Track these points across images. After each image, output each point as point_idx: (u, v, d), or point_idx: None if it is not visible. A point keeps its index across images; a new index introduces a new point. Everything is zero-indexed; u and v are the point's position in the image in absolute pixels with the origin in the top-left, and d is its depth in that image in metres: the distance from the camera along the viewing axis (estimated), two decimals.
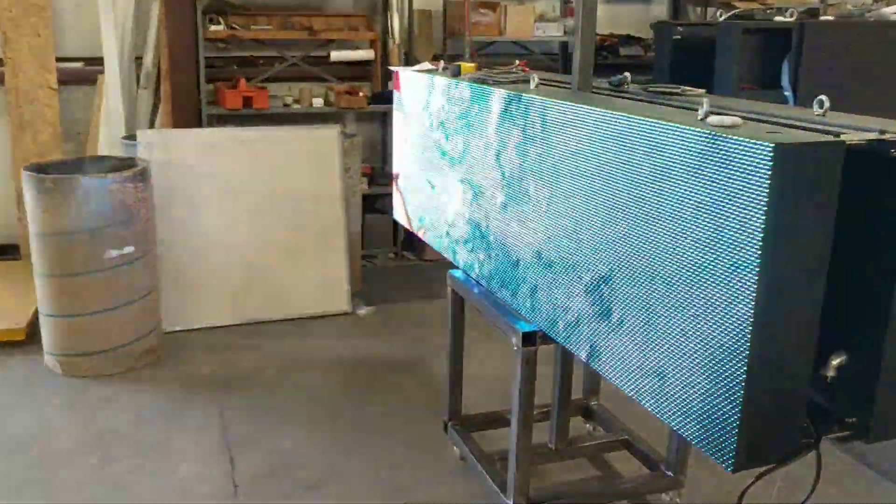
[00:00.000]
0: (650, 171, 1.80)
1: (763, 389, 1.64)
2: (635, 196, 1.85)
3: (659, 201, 1.77)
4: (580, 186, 2.06)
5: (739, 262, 1.58)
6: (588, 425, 3.40)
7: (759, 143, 1.54)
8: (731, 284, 1.60)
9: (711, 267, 1.64)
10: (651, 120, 1.79)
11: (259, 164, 4.61)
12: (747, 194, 1.55)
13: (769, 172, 1.52)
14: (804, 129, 1.74)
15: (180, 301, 4.40)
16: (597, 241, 2.00)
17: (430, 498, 3.02)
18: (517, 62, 3.87)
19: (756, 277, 1.54)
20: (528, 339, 2.50)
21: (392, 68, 3.61)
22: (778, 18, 3.96)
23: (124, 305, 3.93)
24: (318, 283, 4.75)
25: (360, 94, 5.49)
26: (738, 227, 1.57)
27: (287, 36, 5.45)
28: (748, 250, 1.55)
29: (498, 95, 2.49)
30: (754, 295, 1.55)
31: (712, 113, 1.78)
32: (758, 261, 1.54)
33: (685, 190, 1.70)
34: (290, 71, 5.63)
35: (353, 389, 3.88)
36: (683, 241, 1.71)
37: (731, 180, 1.59)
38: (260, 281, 4.61)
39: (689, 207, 1.69)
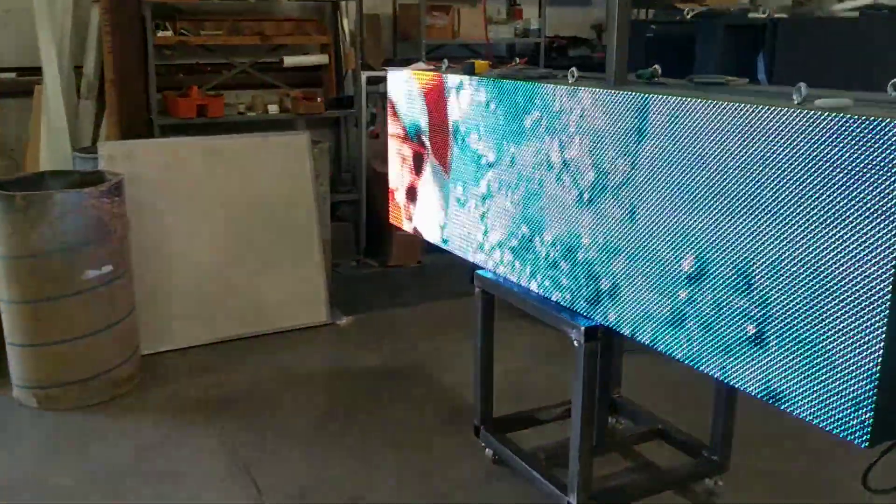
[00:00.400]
0: (781, 160, 1.76)
1: (893, 370, 1.65)
2: (770, 188, 1.79)
3: (798, 192, 1.73)
4: (693, 182, 1.99)
5: (883, 244, 1.58)
6: (612, 419, 3.39)
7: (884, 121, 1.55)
8: (871, 271, 1.60)
9: (853, 252, 1.64)
10: (811, 111, 1.72)
11: (229, 174, 4.41)
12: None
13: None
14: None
15: (154, 321, 4.14)
16: (724, 240, 1.92)
17: (476, 500, 2.94)
18: (517, 59, 3.82)
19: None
20: (590, 334, 2.46)
21: (392, 70, 3.50)
22: (752, 15, 4.09)
23: (104, 329, 3.66)
24: (295, 294, 4.57)
25: (318, 99, 5.34)
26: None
27: (239, 41, 5.25)
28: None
29: (580, 92, 2.39)
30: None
31: (812, 97, 1.79)
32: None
33: (830, 177, 1.67)
34: (238, 78, 5.42)
35: (356, 402, 3.73)
36: (826, 230, 1.69)
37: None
38: (236, 295, 4.40)
39: (835, 194, 1.66)
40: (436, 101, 3.10)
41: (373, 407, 3.67)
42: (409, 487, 3.02)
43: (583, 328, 2.45)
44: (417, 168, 3.32)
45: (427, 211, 3.29)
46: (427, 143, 3.20)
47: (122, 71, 4.89)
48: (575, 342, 2.50)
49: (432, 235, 3.28)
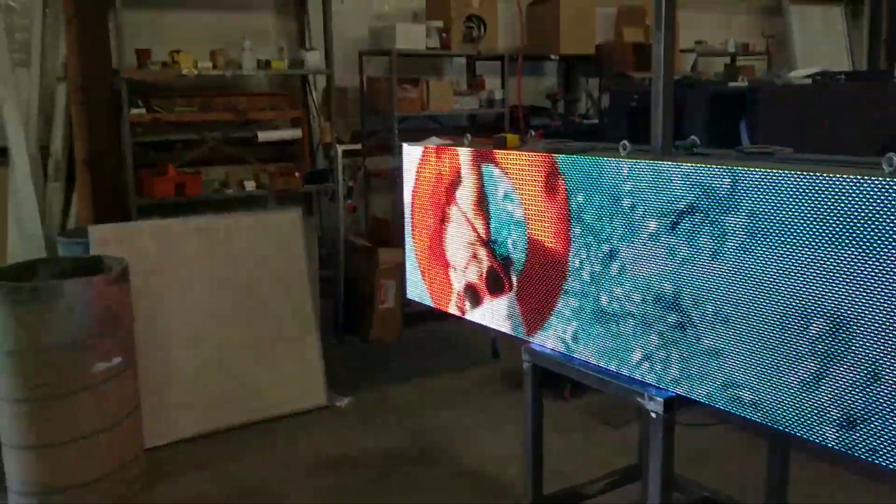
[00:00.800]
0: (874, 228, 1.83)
1: None
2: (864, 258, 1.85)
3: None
4: (787, 257, 2.00)
5: None
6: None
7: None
8: None
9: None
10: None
11: (224, 255, 4.28)
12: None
13: None
14: None
15: (155, 411, 3.92)
16: (814, 309, 1.96)
17: None
18: (532, 132, 3.90)
19: None
20: (669, 406, 2.48)
21: (411, 145, 3.50)
22: (733, 84, 4.32)
23: (112, 426, 3.45)
24: (293, 377, 4.42)
25: (296, 174, 5.28)
26: None
27: (214, 118, 5.15)
28: None
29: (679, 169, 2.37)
30: None
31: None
32: None
33: None
34: (209, 154, 5.32)
35: (382, 490, 3.61)
36: None
37: None
38: (235, 380, 4.22)
39: None
40: (474, 179, 3.10)
41: (402, 496, 3.56)
42: None
43: (662, 400, 2.47)
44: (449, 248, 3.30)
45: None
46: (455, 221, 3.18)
47: (93, 150, 4.72)
48: (653, 413, 2.51)
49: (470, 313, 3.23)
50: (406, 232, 3.63)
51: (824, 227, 1.92)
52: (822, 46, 8.35)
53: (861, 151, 2.25)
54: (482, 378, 4.92)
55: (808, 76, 5.12)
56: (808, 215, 1.96)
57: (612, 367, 2.59)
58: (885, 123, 4.58)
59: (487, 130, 6.42)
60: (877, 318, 1.81)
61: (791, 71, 5.06)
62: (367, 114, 5.91)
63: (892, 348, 1.78)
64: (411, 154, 3.49)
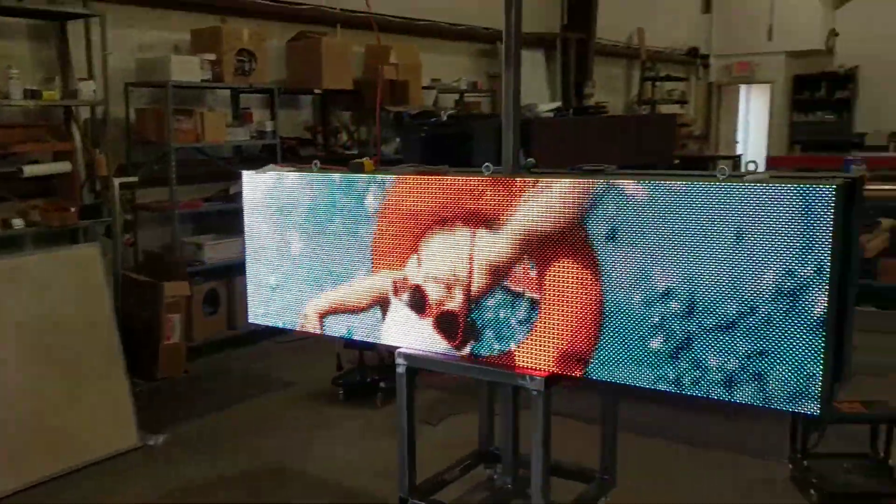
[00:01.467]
0: (747, 222, 2.42)
1: (828, 356, 2.40)
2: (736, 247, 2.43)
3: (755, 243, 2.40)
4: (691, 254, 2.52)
5: (817, 271, 2.32)
6: (489, 470, 3.78)
7: (825, 186, 2.33)
8: (811, 292, 2.34)
9: (798, 278, 2.36)
10: (758, 185, 2.40)
11: (18, 297, 3.95)
12: (819, 220, 2.33)
13: (833, 204, 2.32)
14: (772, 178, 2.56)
15: None
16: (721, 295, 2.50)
17: None
18: (369, 158, 4.16)
19: (827, 282, 2.31)
20: (550, 383, 2.90)
21: (254, 173, 3.58)
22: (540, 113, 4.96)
23: None
24: (104, 418, 4.20)
25: (72, 209, 4.97)
26: (813, 246, 2.32)
27: None
28: (823, 262, 2.31)
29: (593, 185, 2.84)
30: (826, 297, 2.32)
31: (732, 176, 2.52)
32: (828, 267, 2.30)
33: (773, 226, 2.38)
34: None
35: None
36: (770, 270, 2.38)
37: (808, 215, 2.33)
38: (42, 429, 3.91)
39: (776, 238, 2.37)
40: (354, 202, 3.31)
41: None
42: None
43: (542, 379, 2.88)
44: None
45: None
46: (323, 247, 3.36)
47: None
48: (534, 391, 2.91)
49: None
50: (248, 257, 3.69)
51: (680, 222, 2.46)
52: (530, 84, 9.53)
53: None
54: (290, 399, 5.03)
55: (549, 110, 5.98)
56: (668, 214, 2.50)
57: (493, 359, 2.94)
58: (618, 144, 5.53)
59: (255, 161, 6.51)
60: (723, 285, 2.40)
61: (536, 107, 5.86)
62: (135, 145, 5.71)
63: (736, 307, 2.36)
64: (255, 181, 3.59)
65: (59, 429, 3.99)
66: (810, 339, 2.33)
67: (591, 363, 2.72)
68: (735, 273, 2.43)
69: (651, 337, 2.60)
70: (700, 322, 2.50)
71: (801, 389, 2.39)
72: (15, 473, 3.78)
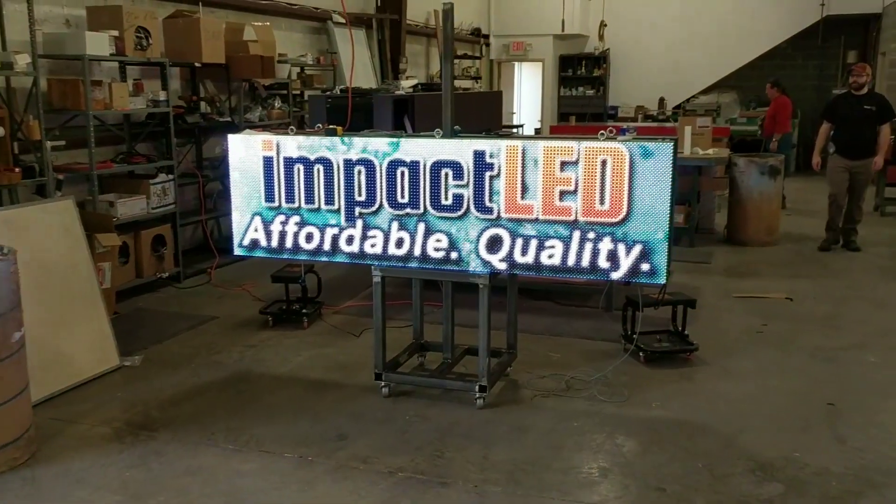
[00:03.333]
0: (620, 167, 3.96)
1: (671, 247, 4.03)
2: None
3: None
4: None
5: (664, 190, 3.93)
6: (419, 358, 5.11)
7: (668, 142, 3.94)
8: (661, 203, 3.94)
9: (653, 195, 3.95)
10: (630, 143, 3.94)
11: (15, 242, 4.61)
12: (665, 163, 3.93)
13: (672, 154, 3.93)
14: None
15: None
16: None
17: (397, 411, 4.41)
18: (320, 125, 5.24)
19: (670, 199, 3.94)
20: (491, 277, 4.30)
21: (239, 136, 4.57)
22: (398, 93, 6.18)
23: (23, 390, 3.87)
24: (90, 344, 4.97)
25: (17, 170, 5.54)
26: (662, 177, 3.92)
27: None
28: (666, 192, 3.92)
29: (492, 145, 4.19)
30: (670, 207, 3.94)
31: (606, 137, 4.06)
32: (671, 190, 3.92)
33: (642, 169, 3.94)
34: None
35: (234, 403, 4.66)
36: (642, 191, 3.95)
37: (659, 160, 3.91)
38: (43, 354, 4.61)
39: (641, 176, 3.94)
40: (327, 156, 4.44)
41: (247, 406, 4.67)
42: (334, 421, 4.33)
43: (487, 275, 4.27)
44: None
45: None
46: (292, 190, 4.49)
47: None
48: (481, 284, 4.30)
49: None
50: (234, 201, 4.70)
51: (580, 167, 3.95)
52: (359, 59, 10.72)
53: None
54: (225, 327, 5.97)
55: (410, 87, 7.29)
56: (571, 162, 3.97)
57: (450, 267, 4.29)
58: (471, 114, 6.96)
59: (144, 126, 7.23)
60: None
61: (400, 82, 7.15)
62: (52, 112, 6.22)
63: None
64: (238, 141, 4.62)
65: (57, 353, 4.73)
66: (664, 238, 3.93)
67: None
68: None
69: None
70: (588, 231, 4.02)
71: (658, 268, 3.98)
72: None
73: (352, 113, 5.97)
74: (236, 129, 7.89)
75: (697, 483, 3.66)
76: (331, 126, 4.55)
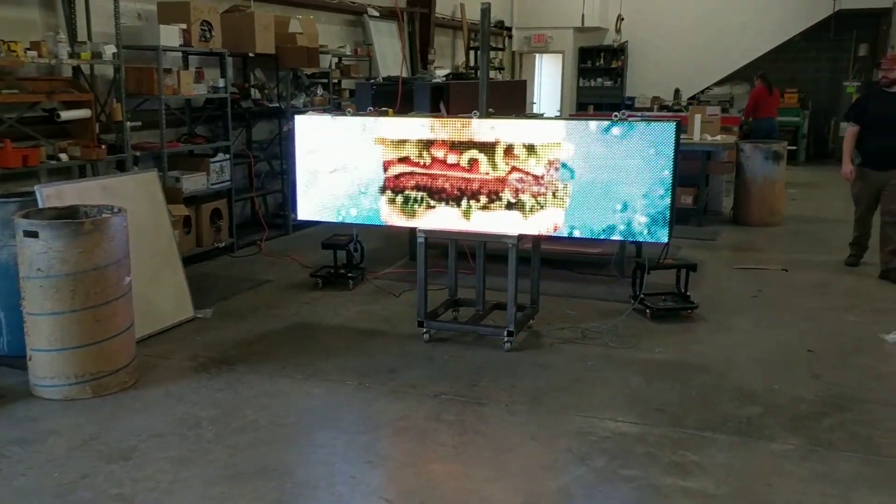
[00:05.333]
0: (628, 144, 4.70)
1: (673, 212, 4.76)
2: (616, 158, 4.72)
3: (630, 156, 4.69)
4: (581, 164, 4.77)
5: (665, 168, 4.66)
6: (453, 312, 5.87)
7: (670, 123, 4.66)
8: (663, 177, 4.68)
9: (656, 172, 4.68)
10: (638, 122, 4.68)
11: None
12: (668, 142, 4.65)
13: (675, 133, 4.66)
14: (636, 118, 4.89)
15: None
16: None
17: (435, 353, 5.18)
18: (370, 108, 5.94)
19: (672, 171, 4.67)
20: (517, 239, 5.04)
21: (303, 117, 5.34)
22: (434, 80, 6.92)
23: (130, 325, 4.68)
24: (172, 296, 5.77)
25: (103, 147, 6.34)
26: (666, 156, 4.65)
27: (21, 98, 5.88)
28: (670, 163, 4.65)
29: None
30: (671, 179, 4.67)
31: (619, 118, 4.78)
32: (672, 166, 4.65)
33: (645, 146, 4.67)
34: (7, 132, 6.03)
35: (292, 342, 5.44)
36: (645, 166, 4.68)
37: (662, 137, 4.64)
38: (141, 302, 5.41)
39: (643, 153, 4.67)
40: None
41: (311, 348, 5.46)
42: (384, 359, 5.10)
43: (515, 235, 5.02)
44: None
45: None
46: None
47: None
48: (510, 244, 5.04)
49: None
50: (299, 173, 5.47)
51: (602, 142, 4.70)
52: (391, 50, 11.48)
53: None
54: (280, 288, 6.76)
55: (443, 76, 8.03)
56: (593, 139, 4.71)
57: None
58: (499, 100, 7.68)
59: (203, 110, 8.02)
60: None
61: (434, 71, 7.89)
62: (129, 97, 7.01)
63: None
64: (302, 122, 5.39)
65: (147, 301, 5.52)
66: (666, 203, 4.67)
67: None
68: (632, 168, 4.71)
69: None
70: (609, 203, 4.75)
71: (661, 229, 4.72)
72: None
73: (396, 97, 6.74)
74: (283, 113, 8.73)
75: (691, 406, 4.41)
76: (383, 108, 5.30)
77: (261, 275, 7.23)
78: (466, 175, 5.07)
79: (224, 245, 7.90)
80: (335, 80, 9.94)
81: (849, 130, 7.36)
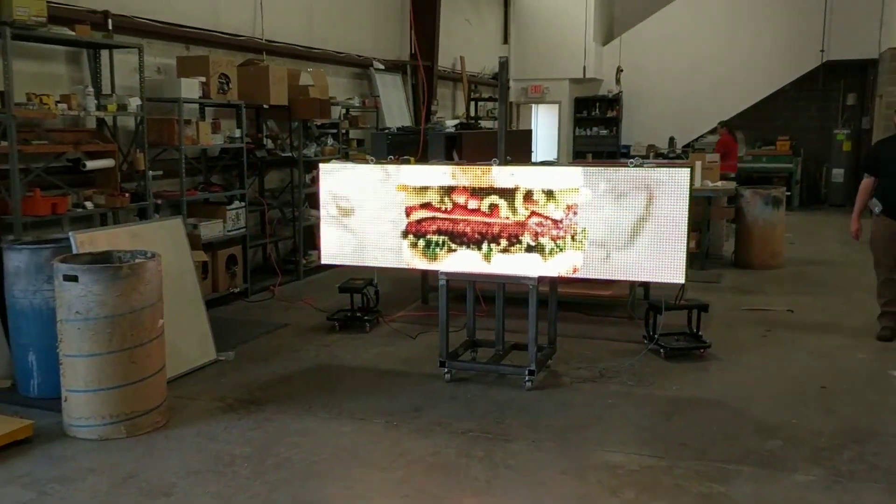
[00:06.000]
0: (646, 188, 4.89)
1: (687, 255, 4.93)
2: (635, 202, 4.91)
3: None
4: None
5: (680, 210, 4.85)
6: (472, 353, 5.99)
7: (684, 168, 4.87)
8: (679, 219, 4.87)
9: (668, 213, 4.87)
10: (652, 170, 4.89)
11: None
12: (681, 188, 4.85)
13: (688, 180, 4.86)
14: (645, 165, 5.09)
15: None
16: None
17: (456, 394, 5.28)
18: (392, 157, 6.16)
19: (686, 215, 4.86)
20: (538, 281, 5.20)
21: (328, 166, 5.52)
22: (447, 131, 7.17)
23: (162, 367, 4.78)
24: (194, 339, 5.88)
25: (126, 195, 6.51)
26: (678, 199, 4.85)
27: (54, 150, 6.08)
28: (684, 205, 4.84)
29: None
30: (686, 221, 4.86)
31: (635, 164, 4.99)
32: (687, 209, 4.85)
33: (661, 190, 4.87)
34: (35, 181, 6.19)
35: (325, 388, 5.54)
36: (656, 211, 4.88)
37: (676, 184, 4.84)
38: (168, 346, 5.53)
39: (657, 198, 4.87)
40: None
41: (337, 390, 5.56)
42: (408, 398, 5.20)
43: (536, 278, 5.18)
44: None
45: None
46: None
47: None
48: (531, 286, 5.20)
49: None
50: (323, 219, 5.64)
51: (621, 186, 4.89)
52: (396, 102, 11.78)
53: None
54: (297, 331, 6.87)
55: (453, 126, 8.28)
56: (613, 184, 4.91)
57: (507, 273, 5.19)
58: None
59: (219, 159, 8.22)
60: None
61: (445, 121, 8.14)
62: (150, 147, 7.21)
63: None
64: (327, 170, 5.58)
65: (172, 345, 5.62)
66: (682, 245, 4.85)
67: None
68: (645, 214, 4.89)
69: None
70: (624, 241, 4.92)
71: (677, 270, 4.89)
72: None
73: (409, 146, 6.96)
74: (296, 163, 8.95)
75: (713, 440, 4.52)
76: (404, 157, 5.50)
77: (277, 319, 7.34)
78: (487, 220, 5.25)
79: (239, 290, 8.03)
80: (344, 131, 10.18)
81: (864, 182, 6.77)
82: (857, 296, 8.25)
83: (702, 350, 6.15)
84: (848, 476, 4.07)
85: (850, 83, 17.18)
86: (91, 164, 6.44)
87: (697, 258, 9.56)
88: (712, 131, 17.51)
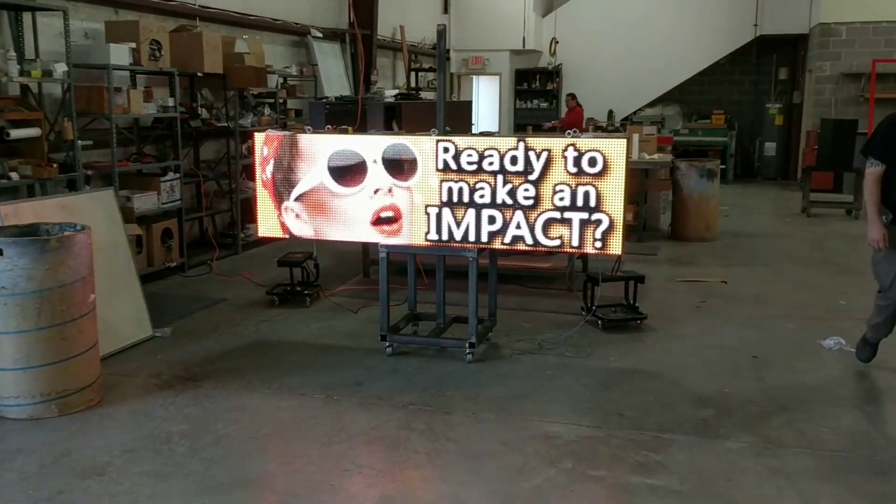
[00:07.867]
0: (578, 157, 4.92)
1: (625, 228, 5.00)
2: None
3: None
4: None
5: (617, 182, 4.90)
6: (413, 326, 5.98)
7: (621, 139, 4.91)
8: (615, 190, 4.92)
9: (608, 186, 4.92)
10: (586, 139, 4.91)
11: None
12: (620, 157, 4.90)
13: (625, 149, 4.91)
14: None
15: None
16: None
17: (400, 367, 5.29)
18: (329, 126, 6.03)
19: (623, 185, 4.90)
20: (477, 254, 5.20)
21: (265, 133, 5.40)
22: (387, 100, 7.07)
23: (95, 343, 4.65)
24: (129, 316, 5.74)
25: (55, 165, 6.27)
26: (618, 170, 4.89)
27: None
28: (621, 177, 4.89)
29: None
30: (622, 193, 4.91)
31: (571, 134, 5.01)
32: (623, 180, 4.89)
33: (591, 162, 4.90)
34: None
35: (261, 360, 5.48)
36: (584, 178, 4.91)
37: (614, 153, 4.89)
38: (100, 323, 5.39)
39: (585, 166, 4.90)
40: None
41: (273, 365, 5.51)
42: (349, 372, 5.19)
43: (476, 252, 5.18)
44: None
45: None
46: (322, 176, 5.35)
47: None
48: (470, 258, 5.20)
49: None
50: (259, 187, 5.53)
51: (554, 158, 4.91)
52: (336, 71, 11.59)
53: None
54: (236, 306, 6.77)
55: (393, 96, 8.20)
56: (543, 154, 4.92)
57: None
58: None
59: (152, 129, 7.99)
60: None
61: (384, 91, 8.04)
62: (79, 115, 6.94)
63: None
64: (262, 138, 5.46)
65: (105, 321, 5.47)
66: (619, 216, 4.89)
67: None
68: (578, 181, 4.92)
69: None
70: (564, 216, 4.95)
71: (614, 242, 4.94)
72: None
73: (347, 116, 6.87)
74: (233, 133, 8.75)
75: (648, 410, 4.62)
76: (342, 126, 5.42)
77: (215, 294, 7.21)
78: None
79: (175, 264, 7.85)
80: (281, 100, 9.99)
81: (871, 172, 4.93)
82: (787, 267, 8.50)
83: (638, 321, 6.26)
84: (776, 442, 4.21)
85: (783, 58, 17.55)
86: (15, 133, 6.18)
87: (635, 231, 9.71)
88: (650, 105, 17.77)
